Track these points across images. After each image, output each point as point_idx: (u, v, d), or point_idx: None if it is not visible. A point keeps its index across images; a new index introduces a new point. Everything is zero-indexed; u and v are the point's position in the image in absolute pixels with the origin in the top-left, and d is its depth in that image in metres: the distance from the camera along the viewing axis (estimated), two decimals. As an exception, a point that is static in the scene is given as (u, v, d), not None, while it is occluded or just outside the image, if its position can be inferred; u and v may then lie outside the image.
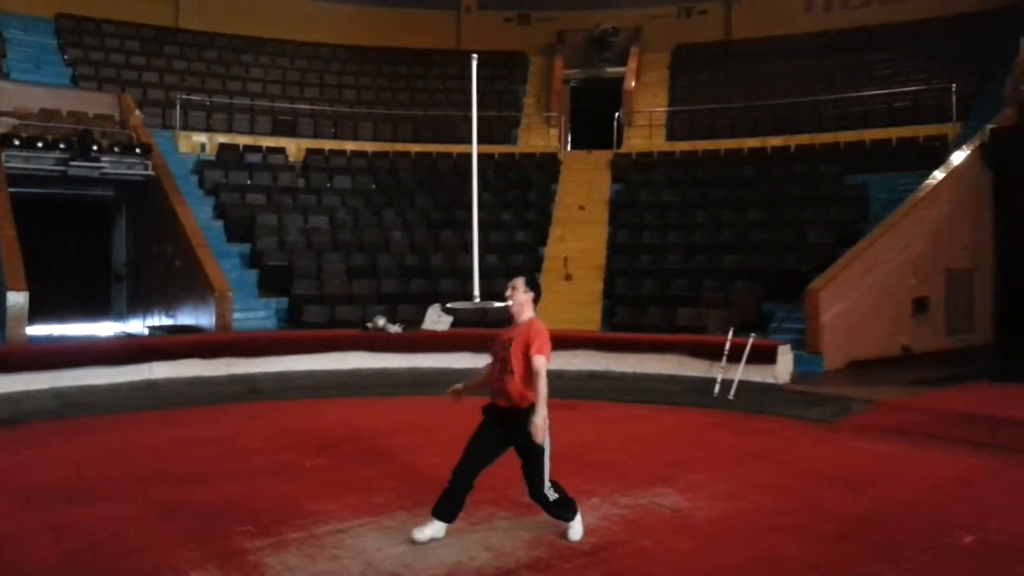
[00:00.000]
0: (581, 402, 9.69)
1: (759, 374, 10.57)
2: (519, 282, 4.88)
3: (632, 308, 13.66)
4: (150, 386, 10.46)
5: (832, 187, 15.64)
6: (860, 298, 12.29)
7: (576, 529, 4.83)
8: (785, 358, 10.98)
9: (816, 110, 17.62)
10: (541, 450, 4.66)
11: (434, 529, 4.75)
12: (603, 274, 14.90)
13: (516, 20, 22.40)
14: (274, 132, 18.03)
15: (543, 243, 16.04)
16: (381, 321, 12.39)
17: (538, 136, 19.65)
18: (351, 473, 6.33)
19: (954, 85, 15.93)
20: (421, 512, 5.28)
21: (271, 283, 13.78)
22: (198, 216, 14.63)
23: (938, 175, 13.65)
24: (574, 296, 14.35)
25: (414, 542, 4.68)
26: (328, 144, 18.14)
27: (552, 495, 4.72)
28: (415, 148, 18.61)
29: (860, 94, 17.33)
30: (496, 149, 18.90)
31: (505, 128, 19.64)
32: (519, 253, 15.48)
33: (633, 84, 19.87)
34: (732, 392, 9.84)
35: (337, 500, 5.55)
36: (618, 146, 19.08)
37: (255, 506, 5.42)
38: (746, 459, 7.03)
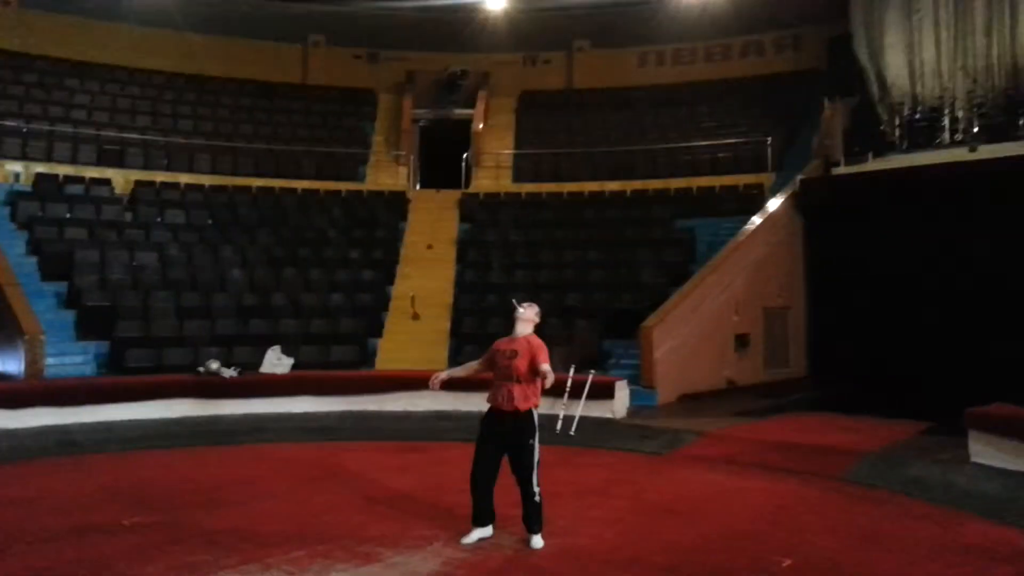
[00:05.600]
0: (429, 444, 9.62)
1: (599, 409, 10.92)
2: (533, 305, 5.81)
3: (479, 347, 13.66)
4: (-57, 442, 9.33)
5: (664, 230, 16.59)
6: (689, 335, 13.03)
7: (539, 541, 5.51)
8: (622, 393, 11.43)
9: (650, 157, 18.68)
10: (533, 452, 5.51)
11: (478, 533, 5.60)
12: (450, 313, 14.94)
13: (365, 58, 22.29)
14: (99, 162, 16.78)
15: (391, 282, 15.89)
16: (214, 365, 11.71)
17: (387, 174, 19.55)
18: (174, 530, 5.89)
19: (769, 138, 17.44)
20: (249, 570, 5.00)
21: (91, 325, 12.69)
22: (8, 252, 13.34)
23: (756, 220, 14.81)
24: (421, 335, 14.28)
25: (464, 545, 5.47)
26: (160, 176, 17.13)
27: (537, 495, 5.49)
28: (257, 182, 17.96)
29: (688, 144, 18.57)
30: (344, 186, 18.62)
31: (352, 165, 19.41)
32: (366, 292, 15.24)
33: (481, 126, 20.27)
34: (574, 428, 10.10)
35: (157, 560, 5.15)
36: (466, 186, 19.34)
37: (62, 573, 4.93)
38: (585, 494, 7.20)
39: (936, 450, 8.79)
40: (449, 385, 11.73)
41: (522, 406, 5.49)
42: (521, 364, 5.51)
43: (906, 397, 12.26)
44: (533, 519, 5.53)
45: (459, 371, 6.19)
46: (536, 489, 5.48)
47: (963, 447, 8.35)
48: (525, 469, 5.50)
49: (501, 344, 5.74)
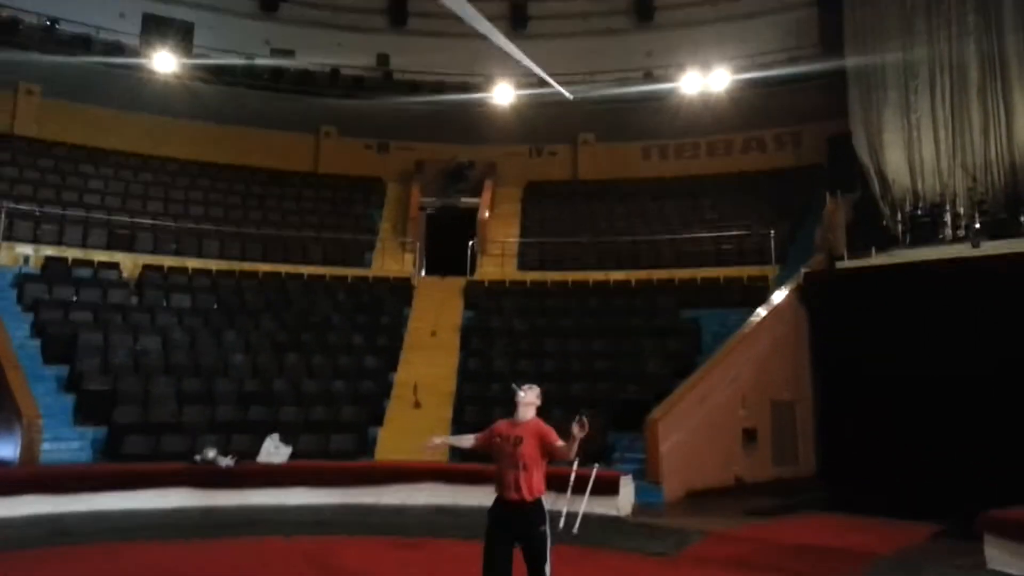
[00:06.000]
0: (427, 540, 9.33)
1: (602, 506, 10.63)
2: (535, 388, 5.69)
3: (481, 437, 13.54)
4: (-71, 531, 9.09)
5: (669, 320, 16.54)
6: (696, 428, 12.81)
7: None
8: (627, 489, 11.15)
9: (654, 248, 18.85)
10: (544, 539, 5.34)
11: None
12: (452, 401, 14.76)
13: (375, 148, 22.85)
14: (109, 246, 16.99)
15: (394, 368, 15.78)
16: (211, 453, 11.50)
17: (393, 261, 19.72)
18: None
19: (772, 231, 17.60)
20: None
21: (89, 410, 12.52)
22: (13, 334, 13.34)
23: (761, 312, 14.78)
24: (423, 424, 14.02)
25: None
26: (168, 261, 17.28)
27: None
28: (264, 267, 18.08)
29: (692, 236, 18.76)
30: (349, 272, 18.74)
31: (359, 251, 19.60)
32: (368, 379, 15.11)
33: (487, 215, 20.56)
34: (576, 525, 9.79)
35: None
36: (471, 273, 19.47)
37: None
38: (589, 600, 6.93)
39: (950, 554, 8.51)
40: (453, 478, 11.65)
41: (529, 496, 5.37)
42: (527, 450, 5.41)
43: (918, 495, 11.94)
44: None
45: (455, 440, 6.02)
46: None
47: (978, 552, 8.07)
48: (538, 559, 5.32)
49: (503, 428, 5.61)
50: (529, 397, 5.59)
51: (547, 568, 5.30)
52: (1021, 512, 8.03)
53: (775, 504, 11.88)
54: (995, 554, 7.92)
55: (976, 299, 13.31)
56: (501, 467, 5.50)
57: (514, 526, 5.37)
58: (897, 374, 13.94)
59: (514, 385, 5.69)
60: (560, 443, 5.38)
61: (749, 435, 13.81)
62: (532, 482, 5.39)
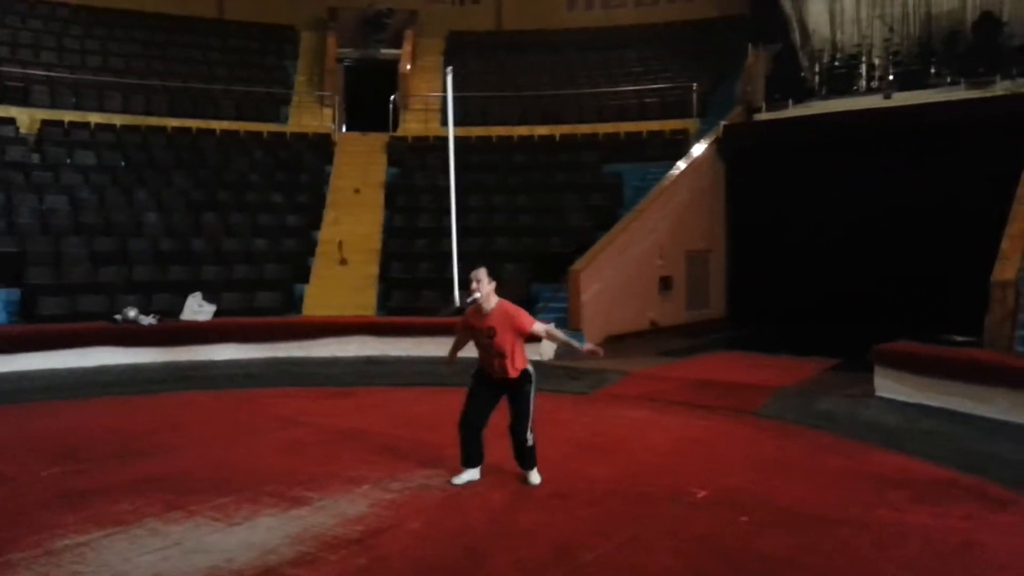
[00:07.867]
0: (357, 388, 9.62)
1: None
2: (482, 273, 5.45)
3: (408, 291, 13.76)
4: None
5: (592, 175, 16.69)
6: (615, 278, 13.28)
7: (535, 477, 5.72)
8: (550, 336, 11.60)
9: (578, 102, 18.65)
10: (528, 399, 5.58)
11: (469, 475, 5.71)
12: (379, 258, 14.80)
13: (285, -9, 21.41)
14: (2, 100, 15.80)
15: (317, 227, 15.58)
16: (132, 312, 11.35)
17: (311, 116, 18.98)
18: (94, 480, 5.79)
19: (695, 84, 17.60)
20: (173, 517, 4.98)
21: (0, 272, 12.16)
22: (-97, 195, 12.58)
23: (680, 165, 15.04)
24: (349, 281, 14.13)
25: (453, 485, 5.60)
26: (68, 116, 16.22)
27: (531, 439, 5.61)
28: (172, 123, 17.18)
29: (616, 89, 18.61)
30: (265, 128, 18.01)
31: (274, 106, 18.77)
32: (291, 237, 14.93)
33: (408, 68, 19.82)
34: (502, 371, 10.22)
35: (77, 511, 5.07)
36: (394, 129, 18.98)
37: (-26, 526, 4.81)
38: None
39: (844, 385, 9.30)
40: (382, 331, 11.86)
41: (514, 374, 5.52)
42: (503, 340, 5.42)
43: (819, 336, 12.85)
44: (527, 458, 5.69)
45: (455, 350, 6.03)
46: (529, 436, 5.59)
47: (869, 382, 8.85)
48: (521, 416, 5.56)
49: (472, 320, 5.57)
50: (484, 289, 5.44)
51: (529, 425, 5.56)
52: (906, 345, 8.80)
53: (687, 345, 12.62)
54: (883, 383, 8.73)
55: (886, 149, 13.83)
56: (481, 354, 5.62)
57: (501, 390, 5.63)
58: (807, 222, 14.63)
59: (469, 289, 5.53)
60: (537, 326, 5.48)
61: (665, 283, 14.42)
62: (515, 362, 5.49)
